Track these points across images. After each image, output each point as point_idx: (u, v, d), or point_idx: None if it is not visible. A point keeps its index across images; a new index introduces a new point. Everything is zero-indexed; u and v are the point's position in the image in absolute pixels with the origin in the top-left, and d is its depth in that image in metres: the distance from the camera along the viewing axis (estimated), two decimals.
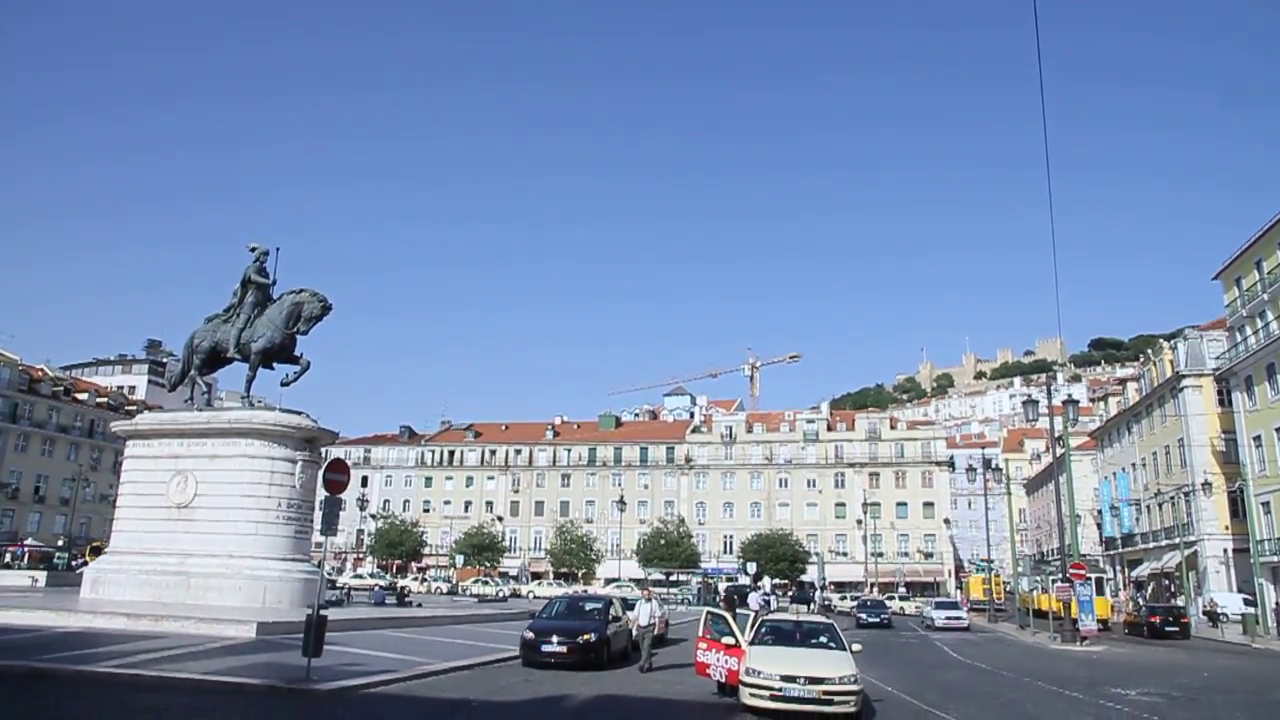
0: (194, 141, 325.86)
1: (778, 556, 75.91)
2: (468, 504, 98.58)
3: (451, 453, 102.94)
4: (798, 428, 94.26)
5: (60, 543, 67.23)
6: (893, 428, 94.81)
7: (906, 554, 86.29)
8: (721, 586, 60.32)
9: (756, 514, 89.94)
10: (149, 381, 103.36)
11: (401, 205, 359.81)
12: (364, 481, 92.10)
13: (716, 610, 16.56)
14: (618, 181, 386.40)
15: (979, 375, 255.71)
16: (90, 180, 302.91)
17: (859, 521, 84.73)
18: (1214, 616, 41.95)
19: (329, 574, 50.87)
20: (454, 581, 71.17)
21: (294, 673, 14.26)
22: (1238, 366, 49.27)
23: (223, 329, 30.16)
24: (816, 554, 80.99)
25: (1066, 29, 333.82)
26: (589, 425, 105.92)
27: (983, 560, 72.60)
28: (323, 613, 14.40)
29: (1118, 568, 66.20)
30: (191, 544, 26.41)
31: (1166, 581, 55.95)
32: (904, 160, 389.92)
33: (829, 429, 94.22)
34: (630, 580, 65.12)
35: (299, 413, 28.91)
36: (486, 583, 68.15)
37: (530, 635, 18.91)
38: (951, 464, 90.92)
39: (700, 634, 15.40)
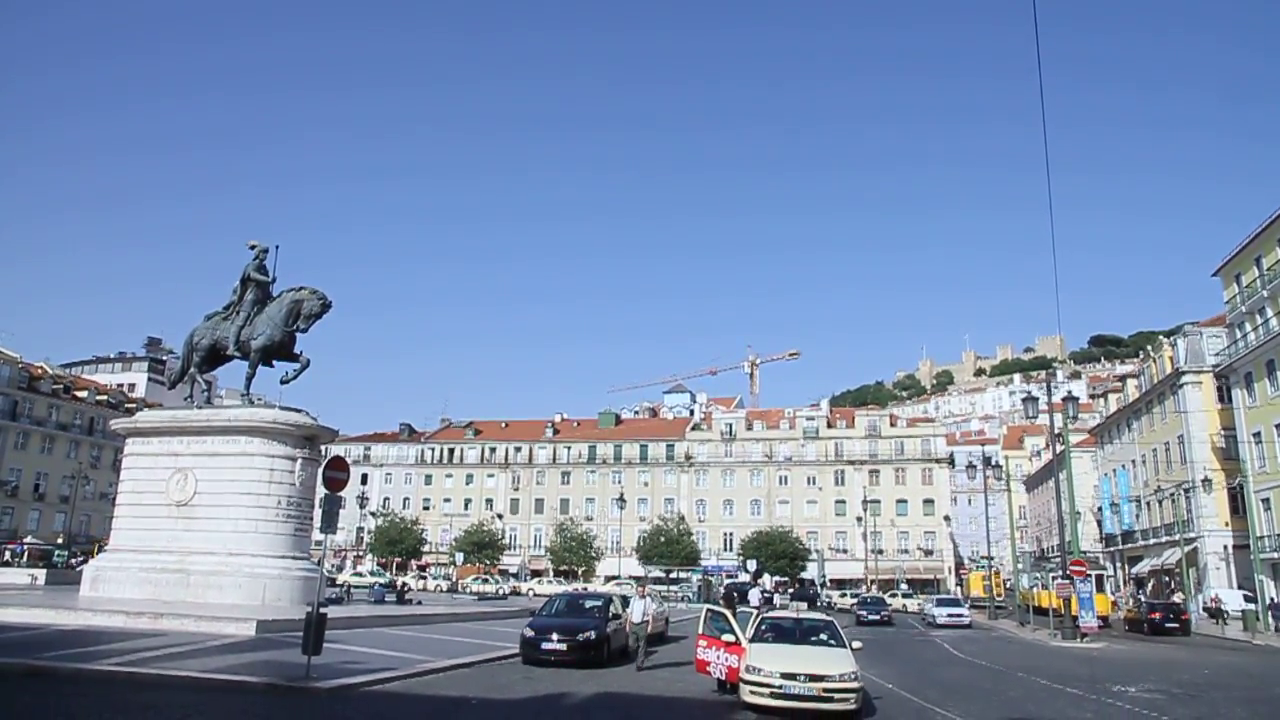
0: (194, 138, 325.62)
1: (778, 554, 75.93)
2: (467, 502, 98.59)
3: (451, 450, 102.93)
4: (798, 425, 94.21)
5: (60, 541, 67.30)
6: (893, 425, 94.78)
7: (906, 551, 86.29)
8: (715, 581, 60.34)
9: (756, 511, 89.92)
10: (149, 379, 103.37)
11: (401, 203, 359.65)
12: (364, 479, 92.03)
13: (716, 608, 16.54)
14: (618, 178, 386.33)
15: (979, 372, 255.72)
16: (90, 177, 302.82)
17: (859, 519, 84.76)
18: (1219, 613, 41.91)
19: (329, 572, 50.91)
20: (454, 579, 71.20)
21: (294, 671, 14.24)
22: (1237, 363, 49.26)
23: (222, 327, 30.13)
24: (816, 551, 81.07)
25: (1066, 27, 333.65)
26: (589, 423, 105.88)
27: (983, 557, 72.65)
28: (322, 611, 14.38)
29: (1118, 564, 66.22)
30: (191, 542, 26.40)
31: (1166, 578, 55.96)
32: (904, 157, 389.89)
33: (829, 426, 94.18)
34: (630, 578, 65.12)
35: (299, 410, 28.88)
36: (486, 580, 68.16)
37: (530, 633, 18.90)
38: (951, 461, 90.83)
39: (700, 631, 15.39)
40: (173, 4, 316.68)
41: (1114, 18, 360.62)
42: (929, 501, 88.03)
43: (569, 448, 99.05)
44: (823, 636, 15.41)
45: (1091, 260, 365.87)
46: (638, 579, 60.33)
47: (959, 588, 75.98)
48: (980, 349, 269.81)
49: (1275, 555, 44.91)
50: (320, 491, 17.48)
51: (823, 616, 17.70)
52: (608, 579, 69.79)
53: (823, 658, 14.06)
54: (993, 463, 63.43)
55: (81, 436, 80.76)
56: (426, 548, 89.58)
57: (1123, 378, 74.61)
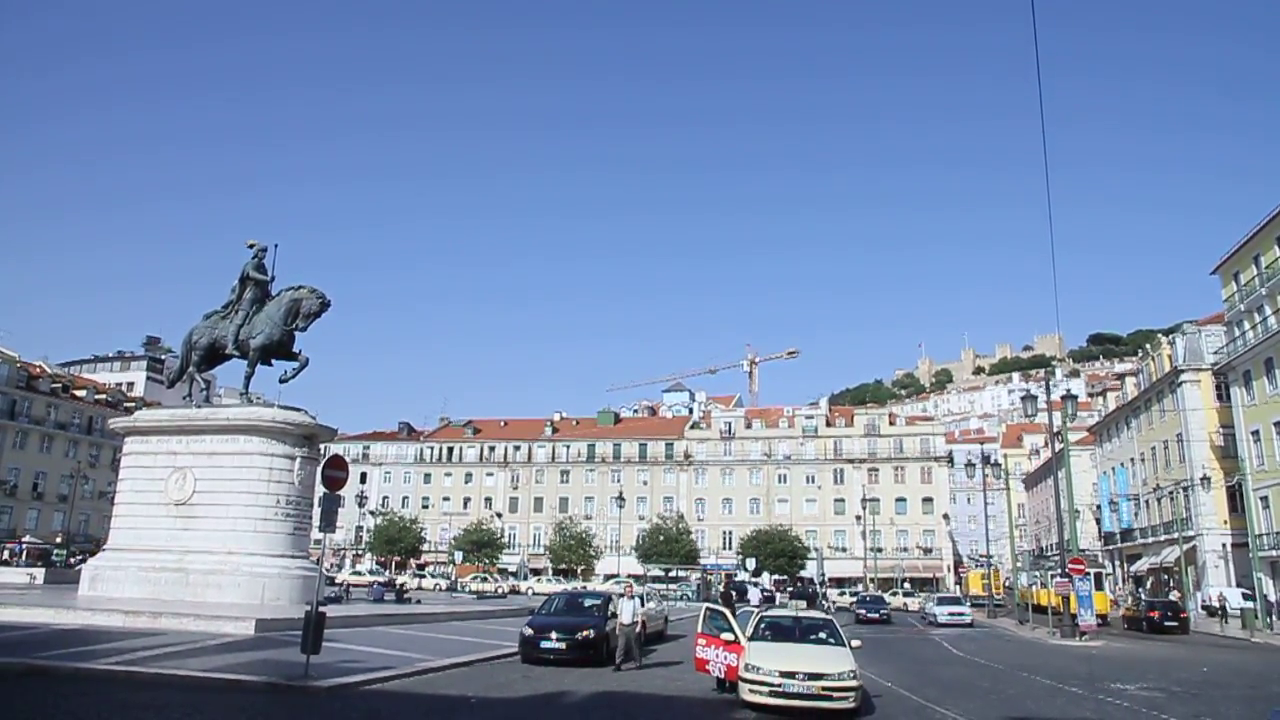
0: (193, 137, 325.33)
1: (777, 552, 75.91)
2: (466, 500, 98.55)
3: (450, 449, 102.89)
4: (796, 424, 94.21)
5: (58, 540, 67.23)
6: (891, 423, 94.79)
7: (905, 549, 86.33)
8: (714, 580, 60.29)
9: (755, 510, 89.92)
10: (147, 378, 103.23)
11: (400, 201, 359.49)
12: (363, 478, 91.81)
13: (715, 606, 16.54)
14: (617, 177, 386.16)
15: (978, 371, 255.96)
16: (89, 176, 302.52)
17: (858, 517, 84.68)
18: (1222, 610, 41.92)
19: (328, 571, 50.84)
20: (453, 578, 71.16)
21: (293, 670, 14.22)
22: (1236, 361, 49.27)
23: (221, 325, 30.07)
24: (815, 550, 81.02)
25: (1064, 24, 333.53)
26: (588, 421, 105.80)
27: (982, 556, 72.72)
28: (321, 610, 14.36)
29: (1116, 563, 66.28)
30: (190, 541, 26.36)
31: (1165, 576, 56.00)
32: (903, 156, 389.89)
33: (828, 425, 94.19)
34: (629, 576, 65.15)
35: (297, 409, 28.81)
36: (485, 579, 68.12)
37: (529, 632, 18.89)
38: (950, 459, 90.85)
39: (699, 630, 15.38)
40: (173, 4, 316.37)
41: (1113, 15, 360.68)
42: (928, 500, 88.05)
43: (568, 446, 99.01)
44: (822, 635, 15.39)
45: (1090, 259, 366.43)
46: (637, 578, 60.33)
47: (958, 586, 75.99)
48: (979, 347, 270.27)
49: (1274, 553, 44.95)
50: (319, 490, 17.47)
51: (822, 615, 17.69)
52: (607, 578, 69.75)
53: (822, 656, 14.04)
54: (991, 461, 63.42)
55: (80, 435, 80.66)
56: (425, 546, 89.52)
57: (1121, 376, 74.72)
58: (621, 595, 19.60)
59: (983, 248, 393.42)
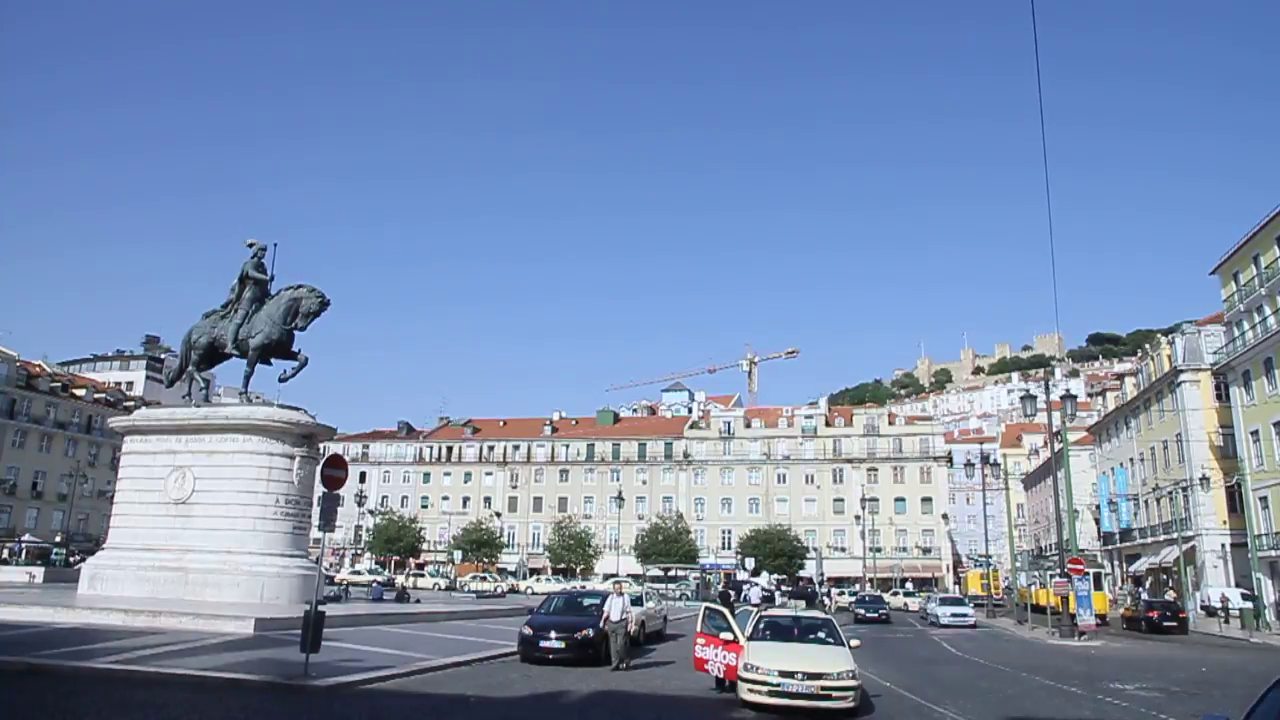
0: (193, 137, 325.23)
1: (776, 552, 75.89)
2: (466, 500, 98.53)
3: (449, 449, 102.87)
4: (796, 423, 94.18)
5: (58, 539, 67.21)
6: (891, 423, 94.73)
7: (905, 549, 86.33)
8: (714, 580, 60.23)
9: (754, 509, 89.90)
10: (147, 377, 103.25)
11: (400, 201, 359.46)
12: (362, 477, 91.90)
13: (714, 605, 16.55)
14: (616, 178, 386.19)
15: (977, 370, 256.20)
16: (88, 175, 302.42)
17: (857, 517, 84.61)
18: (1224, 610, 41.90)
19: (327, 570, 50.83)
20: (452, 577, 71.15)
21: (292, 668, 14.23)
22: (1235, 361, 49.27)
23: (221, 325, 30.07)
24: (815, 549, 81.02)
25: (1064, 24, 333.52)
26: (587, 421, 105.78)
27: (981, 555, 72.76)
28: (321, 609, 14.36)
29: (1115, 563, 66.29)
30: (189, 540, 26.35)
31: (1164, 576, 56.01)
32: (902, 155, 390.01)
33: (827, 424, 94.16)
34: (629, 576, 65.16)
35: (297, 409, 28.81)
36: (485, 579, 68.09)
37: (528, 631, 18.89)
38: (950, 459, 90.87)
39: (699, 629, 15.39)
40: (173, 4, 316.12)
41: (1113, 15, 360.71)
42: (927, 500, 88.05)
43: (567, 446, 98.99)
44: (821, 635, 15.40)
45: (1090, 258, 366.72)
46: (636, 577, 60.34)
47: (957, 586, 76.04)
48: (979, 347, 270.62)
49: (1273, 553, 44.94)
50: (318, 489, 17.46)
51: (821, 614, 17.70)
52: (606, 577, 69.70)
53: (821, 656, 14.06)
54: (991, 461, 63.57)
55: (79, 435, 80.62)
56: (425, 546, 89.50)
57: (1121, 376, 74.72)
58: (610, 593, 19.63)
59: (982, 247, 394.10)
